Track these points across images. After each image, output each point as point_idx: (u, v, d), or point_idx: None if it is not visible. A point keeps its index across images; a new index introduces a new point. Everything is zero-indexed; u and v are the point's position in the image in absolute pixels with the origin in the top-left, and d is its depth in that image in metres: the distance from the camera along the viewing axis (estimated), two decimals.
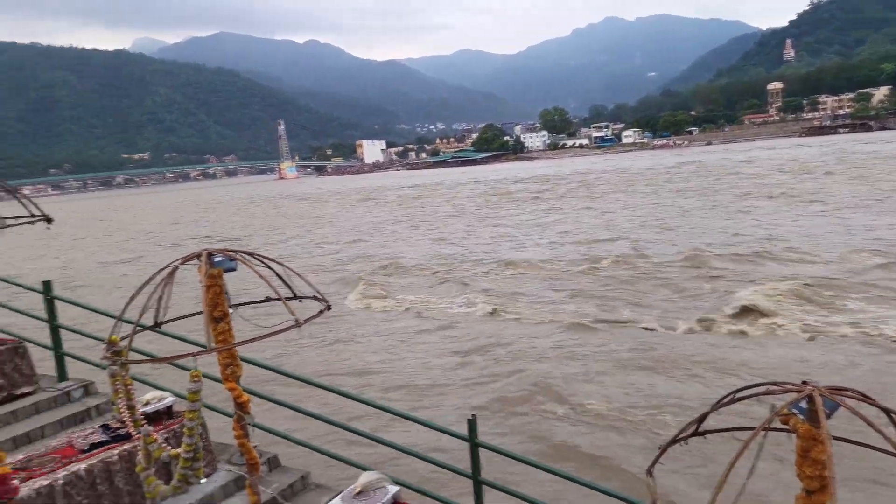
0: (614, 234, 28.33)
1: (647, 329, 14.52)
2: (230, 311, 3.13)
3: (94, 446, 4.84)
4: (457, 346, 13.85)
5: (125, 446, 4.78)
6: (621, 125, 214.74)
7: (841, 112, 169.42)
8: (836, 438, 2.38)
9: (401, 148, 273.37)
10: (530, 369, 12.15)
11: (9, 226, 4.38)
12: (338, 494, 4.57)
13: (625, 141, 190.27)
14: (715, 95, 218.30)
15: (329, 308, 3.34)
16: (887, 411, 2.20)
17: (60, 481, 4.35)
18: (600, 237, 27.95)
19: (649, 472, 2.46)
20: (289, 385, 5.91)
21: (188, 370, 4.89)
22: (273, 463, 5.69)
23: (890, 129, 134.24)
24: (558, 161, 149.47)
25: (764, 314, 14.96)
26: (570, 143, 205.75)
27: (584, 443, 9.14)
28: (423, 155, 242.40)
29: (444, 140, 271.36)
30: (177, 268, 2.93)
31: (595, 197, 48.52)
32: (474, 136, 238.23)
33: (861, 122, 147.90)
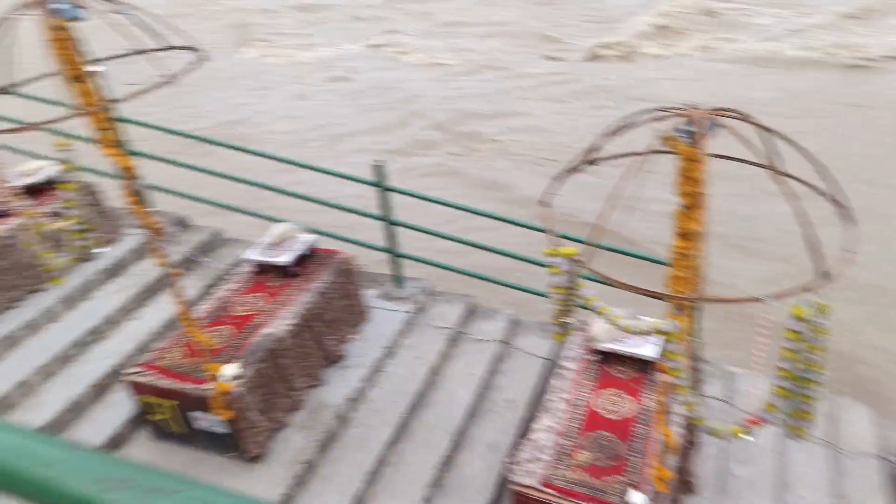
0: None
1: (551, 58, 14.42)
2: (97, 67, 2.78)
3: None
4: (356, 93, 13.39)
5: (10, 223, 4.56)
6: None
7: None
8: (715, 156, 2.55)
9: None
10: (430, 111, 12.08)
11: None
12: (253, 246, 4.69)
13: None
14: None
15: (205, 59, 3.02)
16: (763, 128, 2.33)
17: None
18: None
19: (545, 202, 2.59)
20: (184, 145, 5.63)
21: (60, 136, 4.52)
22: (183, 223, 5.67)
23: None
24: None
25: (668, 35, 15.08)
26: None
27: (487, 176, 9.56)
28: None
29: None
30: (8, 20, 2.48)
31: None
32: None
33: None
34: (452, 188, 9.06)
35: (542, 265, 4.15)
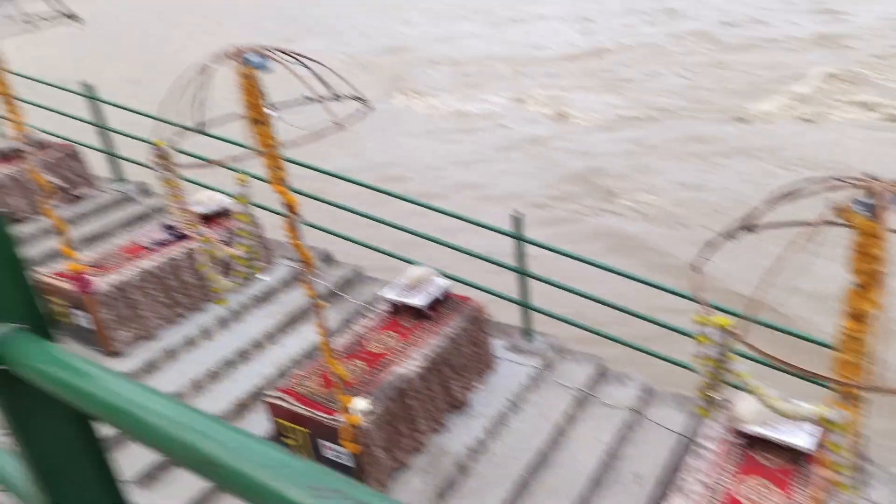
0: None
1: (725, 118, 13.91)
2: (270, 112, 3.06)
3: (158, 244, 5.15)
4: (504, 144, 13.65)
5: (188, 244, 5.07)
6: None
7: None
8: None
9: None
10: (580, 164, 12.03)
11: (40, 27, 4.21)
12: (389, 286, 4.85)
13: None
14: None
15: (370, 108, 3.23)
16: None
17: (133, 276, 4.70)
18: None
19: (696, 267, 2.47)
20: (338, 185, 6.00)
21: (237, 171, 4.98)
22: (328, 258, 6.00)
23: None
24: None
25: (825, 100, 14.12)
26: None
27: (632, 236, 9.29)
28: None
29: None
30: (208, 67, 2.81)
31: None
32: None
33: None
34: (598, 245, 8.89)
35: (688, 334, 3.94)
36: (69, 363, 0.81)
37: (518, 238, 4.84)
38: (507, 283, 5.16)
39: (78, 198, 6.48)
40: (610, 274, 4.70)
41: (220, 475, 0.63)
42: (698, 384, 2.69)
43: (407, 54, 23.30)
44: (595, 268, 4.73)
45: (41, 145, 6.37)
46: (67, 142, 6.79)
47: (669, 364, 4.56)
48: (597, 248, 8.66)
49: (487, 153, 13.48)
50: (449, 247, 5.30)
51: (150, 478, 3.81)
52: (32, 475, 0.92)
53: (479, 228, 5.10)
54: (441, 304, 4.66)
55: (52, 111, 6.93)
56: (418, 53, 23.22)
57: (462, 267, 5.59)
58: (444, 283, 4.75)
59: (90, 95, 6.73)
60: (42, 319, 0.90)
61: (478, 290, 5.17)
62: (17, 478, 1.02)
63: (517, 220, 4.80)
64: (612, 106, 15.47)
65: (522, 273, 4.93)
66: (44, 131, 6.77)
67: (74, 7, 4.63)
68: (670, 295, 4.34)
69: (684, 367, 4.27)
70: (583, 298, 4.83)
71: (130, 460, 3.71)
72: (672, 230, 9.36)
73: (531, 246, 4.89)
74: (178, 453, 0.69)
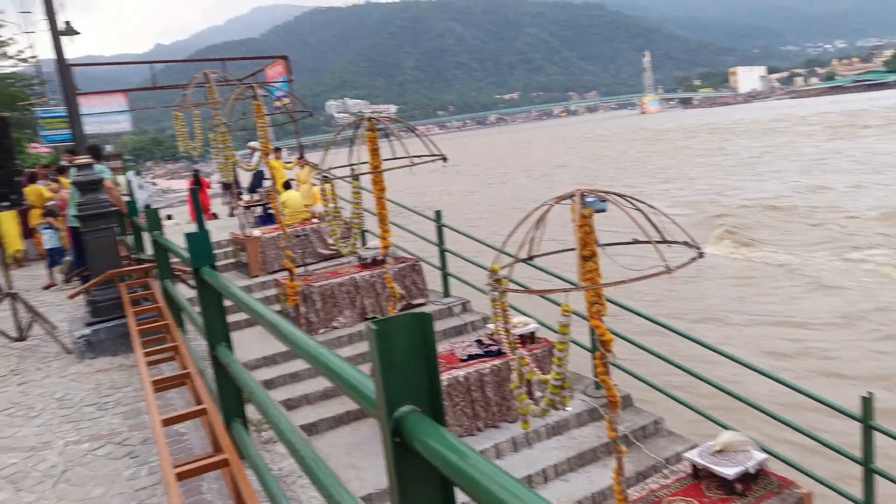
0: None
1: None
2: (598, 250, 3.16)
3: (470, 357, 5.55)
4: (845, 310, 11.85)
5: (495, 361, 5.37)
6: None
7: None
8: None
9: (785, 73, 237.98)
10: None
11: (416, 164, 5.10)
12: (694, 446, 4.41)
13: None
14: None
15: (701, 255, 3.11)
16: None
17: (444, 382, 5.11)
18: None
19: None
20: (649, 329, 5.81)
21: (553, 302, 5.17)
22: (626, 402, 5.75)
23: None
24: None
25: None
26: None
27: None
28: (814, 80, 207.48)
29: (844, 61, 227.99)
30: (551, 207, 3.04)
31: None
32: (888, 53, 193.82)
33: None
34: None
35: None
36: (451, 442, 0.97)
37: (865, 424, 4.03)
38: (847, 473, 4.29)
39: (412, 305, 7.42)
40: None
41: None
42: None
43: (747, 203, 22.35)
44: None
45: (395, 258, 7.54)
46: (413, 257, 7.91)
47: None
48: None
49: (818, 312, 11.84)
50: (775, 417, 4.65)
51: None
52: None
53: (810, 401, 4.40)
54: (754, 480, 4.05)
55: (408, 231, 8.21)
56: (760, 203, 22.09)
57: (786, 445, 4.84)
58: (760, 456, 4.15)
59: (438, 221, 7.81)
60: (436, 404, 1.08)
61: (803, 475, 4.38)
62: None
63: (866, 402, 4.02)
64: None
65: (867, 467, 4.05)
66: (398, 247, 8.03)
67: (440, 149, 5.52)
68: None
69: None
70: None
71: None
72: None
73: (884, 437, 4.02)
74: None
